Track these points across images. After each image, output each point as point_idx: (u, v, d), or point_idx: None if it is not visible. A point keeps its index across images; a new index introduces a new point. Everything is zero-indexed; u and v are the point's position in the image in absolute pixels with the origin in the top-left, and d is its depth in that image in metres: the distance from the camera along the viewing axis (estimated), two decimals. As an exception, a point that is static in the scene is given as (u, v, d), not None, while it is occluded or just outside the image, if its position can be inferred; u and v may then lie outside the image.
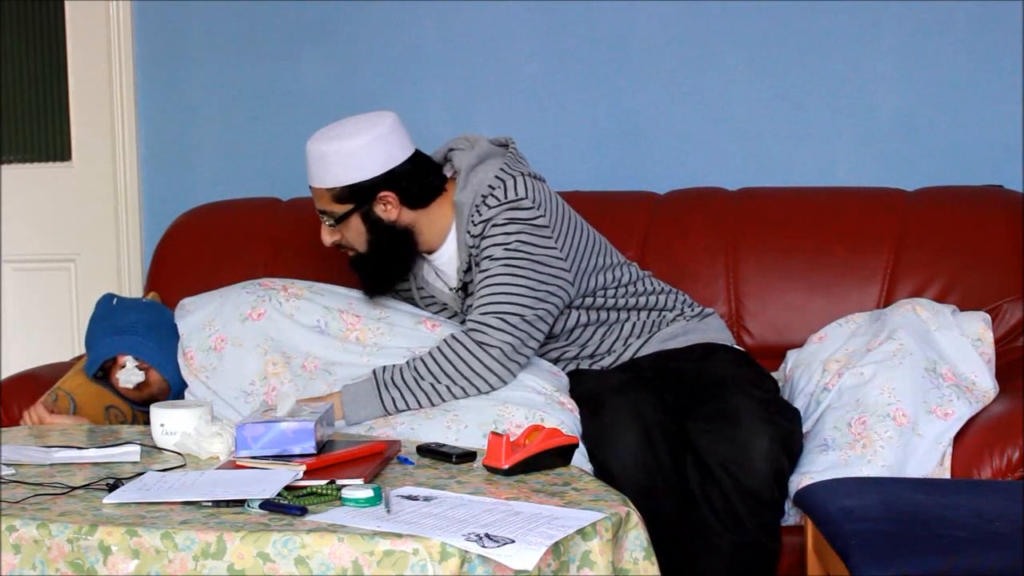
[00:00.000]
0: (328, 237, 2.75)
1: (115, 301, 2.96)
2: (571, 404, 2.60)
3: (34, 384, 2.92)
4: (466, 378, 2.58)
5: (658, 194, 3.27)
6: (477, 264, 2.69)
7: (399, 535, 1.74)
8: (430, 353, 2.61)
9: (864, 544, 1.99)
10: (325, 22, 3.64)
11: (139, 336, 2.84)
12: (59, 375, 2.93)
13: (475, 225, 2.68)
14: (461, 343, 2.60)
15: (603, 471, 2.46)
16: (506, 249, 2.64)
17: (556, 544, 1.77)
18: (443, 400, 2.58)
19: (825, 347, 2.82)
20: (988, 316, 2.81)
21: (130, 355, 2.83)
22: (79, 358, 3.06)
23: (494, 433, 2.12)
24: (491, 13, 3.54)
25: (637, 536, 1.93)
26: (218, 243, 3.38)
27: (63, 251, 3.89)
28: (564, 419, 2.51)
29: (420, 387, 2.58)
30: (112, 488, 2.00)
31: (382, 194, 2.69)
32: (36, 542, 1.82)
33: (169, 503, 1.92)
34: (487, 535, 1.75)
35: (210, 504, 1.91)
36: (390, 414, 2.59)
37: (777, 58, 3.40)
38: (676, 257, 3.12)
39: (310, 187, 2.73)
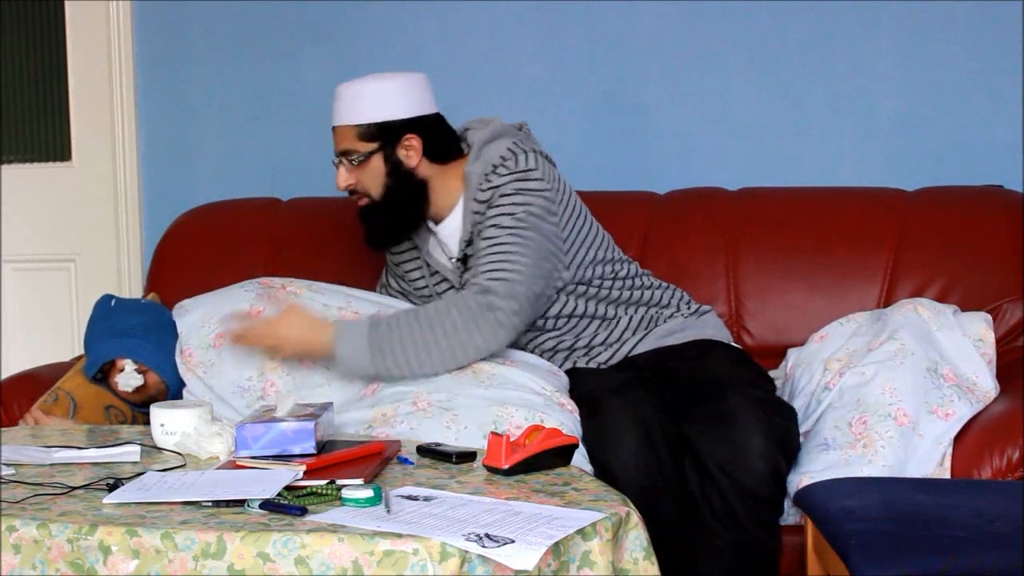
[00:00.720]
0: (345, 178, 2.74)
1: (113, 303, 2.95)
2: (571, 405, 2.60)
3: (34, 384, 2.92)
4: (462, 334, 2.55)
5: (658, 194, 3.27)
6: (479, 233, 2.69)
7: (399, 535, 1.74)
8: (433, 304, 2.60)
9: (864, 544, 1.99)
10: (325, 22, 3.64)
11: (137, 339, 2.83)
12: (59, 375, 2.92)
13: (482, 192, 2.67)
14: (464, 300, 2.58)
15: (604, 472, 2.46)
16: (514, 219, 2.63)
17: (556, 544, 1.77)
18: (431, 358, 2.54)
19: (826, 346, 2.82)
20: (989, 316, 2.81)
21: (128, 358, 2.83)
22: (79, 358, 3.06)
23: (494, 433, 2.11)
24: (491, 13, 3.54)
25: (637, 536, 1.92)
26: (218, 243, 3.38)
27: (63, 251, 3.89)
28: (564, 420, 2.51)
29: (413, 334, 2.54)
30: (112, 488, 2.00)
31: (407, 137, 2.71)
32: (36, 542, 1.82)
33: (169, 503, 1.92)
34: (487, 535, 1.75)
35: (210, 504, 1.91)
36: (379, 358, 2.55)
37: (777, 58, 3.40)
38: (676, 257, 3.12)
39: (334, 128, 2.74)
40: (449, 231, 2.79)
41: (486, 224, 2.66)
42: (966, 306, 2.89)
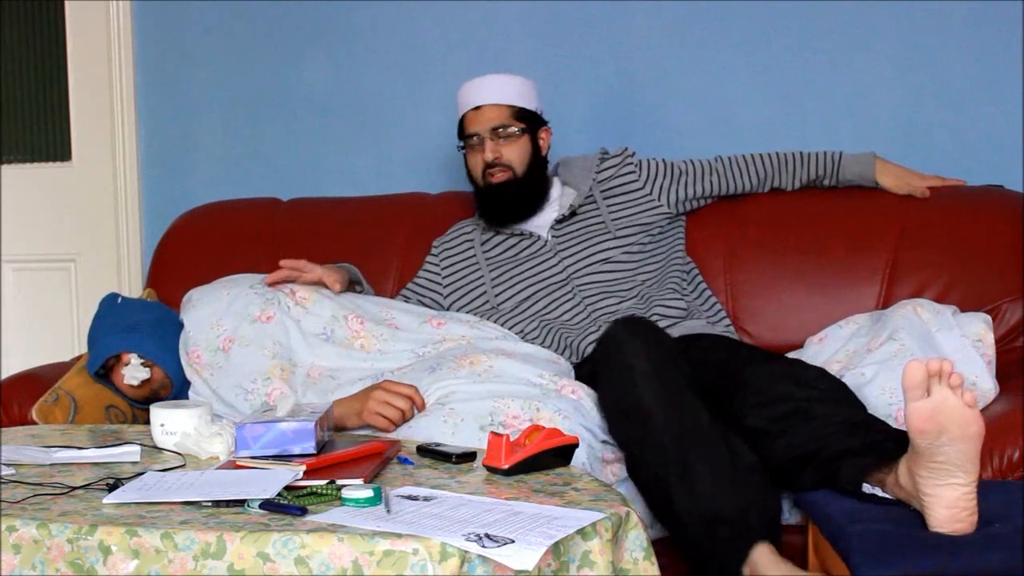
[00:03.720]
0: (493, 151, 3.00)
1: (119, 300, 2.97)
2: (572, 387, 2.60)
3: (34, 384, 2.91)
4: None
5: (658, 194, 3.27)
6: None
7: (399, 535, 1.74)
8: None
9: (865, 544, 1.99)
10: (325, 22, 3.64)
11: (144, 334, 2.85)
12: (59, 375, 2.92)
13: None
14: None
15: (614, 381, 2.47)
16: None
17: (556, 544, 1.77)
18: None
19: (826, 348, 2.82)
20: (989, 317, 2.81)
21: (135, 352, 2.83)
22: (79, 358, 3.06)
23: (494, 433, 2.11)
24: (491, 13, 3.54)
25: (637, 536, 1.92)
26: (218, 243, 3.38)
27: (63, 251, 3.89)
28: (562, 406, 2.50)
29: None
30: (112, 488, 2.00)
31: (543, 127, 3.10)
32: (36, 542, 1.82)
33: (169, 503, 1.92)
34: (487, 535, 1.75)
35: (210, 504, 1.91)
36: None
37: (776, 57, 3.40)
38: (676, 257, 3.12)
39: (485, 106, 3.02)
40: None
41: None
42: (966, 306, 2.89)
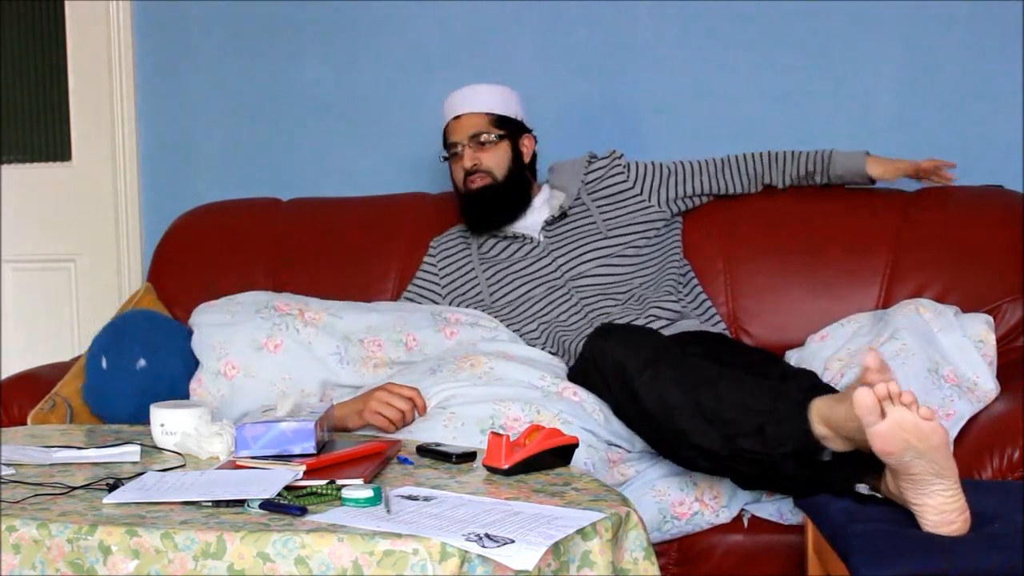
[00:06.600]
0: (471, 159, 3.06)
1: (105, 364, 2.82)
2: (573, 389, 2.60)
3: (34, 384, 2.92)
4: None
5: (658, 194, 3.27)
6: None
7: (399, 535, 1.73)
8: None
9: (864, 544, 1.99)
10: (325, 22, 3.64)
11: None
12: (59, 375, 2.92)
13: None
14: None
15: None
16: None
17: (556, 544, 1.77)
18: None
19: (827, 346, 2.82)
20: (991, 318, 2.81)
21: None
22: (78, 359, 3.06)
23: (494, 433, 2.11)
24: (491, 13, 3.55)
25: (637, 536, 1.92)
26: (218, 243, 3.38)
27: (63, 251, 3.89)
28: (563, 408, 2.51)
29: None
30: (112, 488, 2.00)
31: (526, 135, 3.14)
32: (36, 542, 1.82)
33: (169, 503, 1.92)
34: (487, 535, 1.74)
35: (210, 504, 1.91)
36: None
37: (777, 58, 3.40)
38: (676, 257, 3.12)
39: (463, 115, 3.08)
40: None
41: None
42: (966, 306, 2.89)
